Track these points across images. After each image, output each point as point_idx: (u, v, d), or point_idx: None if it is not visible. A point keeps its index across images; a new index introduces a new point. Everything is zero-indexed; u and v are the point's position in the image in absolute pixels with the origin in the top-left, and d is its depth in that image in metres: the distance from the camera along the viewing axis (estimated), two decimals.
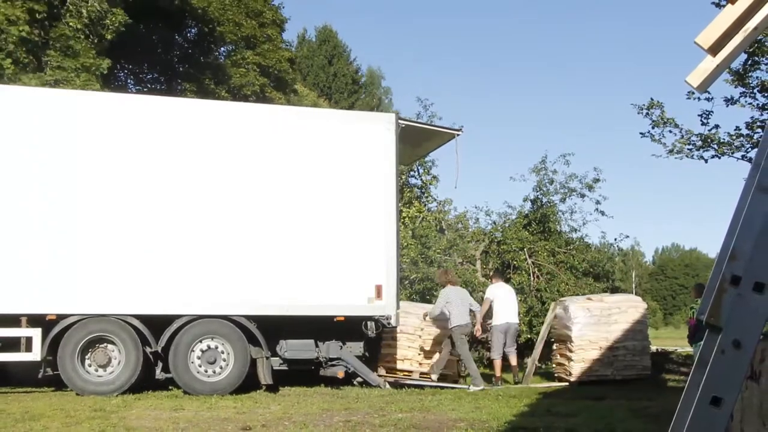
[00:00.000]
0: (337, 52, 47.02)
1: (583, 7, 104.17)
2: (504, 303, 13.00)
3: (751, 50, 13.93)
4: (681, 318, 58.89)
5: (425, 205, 18.20)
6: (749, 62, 14.83)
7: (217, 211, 10.74)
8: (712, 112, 15.36)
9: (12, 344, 10.03)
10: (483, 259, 17.26)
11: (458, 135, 13.03)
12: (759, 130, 14.82)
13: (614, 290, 17.26)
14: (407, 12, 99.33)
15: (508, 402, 9.66)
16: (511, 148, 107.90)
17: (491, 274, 15.04)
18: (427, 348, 12.33)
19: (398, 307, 11.39)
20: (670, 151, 15.77)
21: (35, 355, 9.98)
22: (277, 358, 11.13)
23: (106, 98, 11.43)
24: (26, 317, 10.08)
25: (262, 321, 10.79)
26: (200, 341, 10.58)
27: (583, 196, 17.59)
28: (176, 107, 11.37)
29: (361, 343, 11.43)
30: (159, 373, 10.62)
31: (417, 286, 15.41)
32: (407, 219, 16.85)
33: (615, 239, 19.12)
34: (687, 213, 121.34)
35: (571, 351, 12.34)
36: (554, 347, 13.25)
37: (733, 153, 15.52)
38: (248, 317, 10.73)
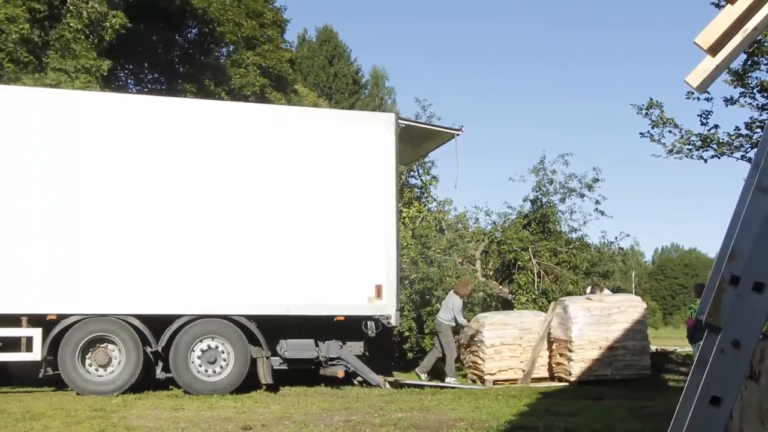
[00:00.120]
0: (338, 52, 47.00)
1: (583, 7, 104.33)
2: None
3: (750, 50, 13.92)
4: (680, 318, 58.84)
5: (425, 205, 18.16)
6: (749, 62, 14.83)
7: (218, 211, 10.75)
8: (712, 112, 15.38)
9: (12, 344, 10.04)
10: (483, 259, 17.26)
11: (458, 135, 13.04)
12: (758, 130, 14.81)
13: (614, 290, 17.24)
14: (407, 12, 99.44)
15: (508, 401, 9.66)
16: (511, 148, 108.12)
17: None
18: (528, 355, 12.60)
19: (398, 306, 11.41)
20: (670, 151, 15.77)
21: (36, 354, 10.00)
22: (278, 358, 11.15)
23: (106, 98, 11.45)
24: (27, 317, 10.09)
25: (262, 321, 10.81)
26: (200, 341, 10.60)
27: (582, 196, 17.58)
28: (176, 107, 11.38)
29: (361, 343, 11.46)
30: (159, 373, 10.64)
31: (417, 286, 15.40)
32: (407, 219, 16.83)
33: (615, 238, 19.03)
34: (686, 213, 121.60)
35: (570, 351, 12.33)
36: (554, 347, 13.24)
37: (732, 153, 15.52)
38: (248, 317, 10.75)
